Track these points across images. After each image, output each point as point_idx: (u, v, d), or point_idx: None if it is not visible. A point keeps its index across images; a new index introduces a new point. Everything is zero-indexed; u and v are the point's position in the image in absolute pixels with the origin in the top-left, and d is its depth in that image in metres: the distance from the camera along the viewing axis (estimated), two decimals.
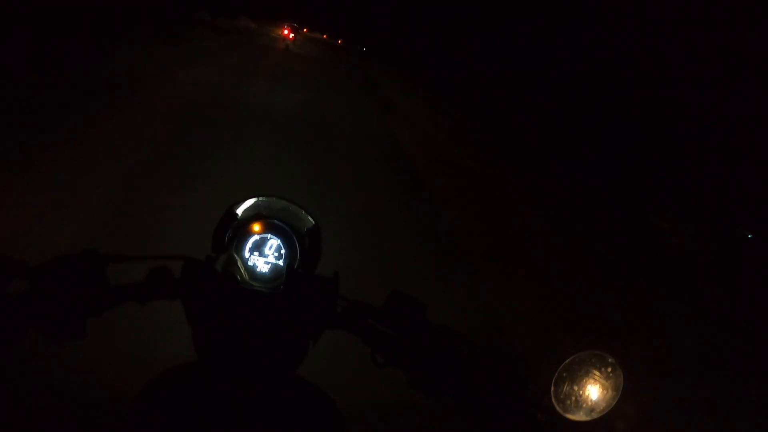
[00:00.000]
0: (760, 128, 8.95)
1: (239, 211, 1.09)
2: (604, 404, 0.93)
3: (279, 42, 28.77)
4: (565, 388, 0.93)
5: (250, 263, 1.09)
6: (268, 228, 1.10)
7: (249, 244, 1.10)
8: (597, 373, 0.93)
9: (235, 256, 1.09)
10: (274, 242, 1.10)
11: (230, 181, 5.14)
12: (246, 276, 1.08)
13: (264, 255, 1.10)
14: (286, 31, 31.74)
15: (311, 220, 1.10)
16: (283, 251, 1.10)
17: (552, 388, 0.91)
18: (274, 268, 1.10)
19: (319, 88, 15.27)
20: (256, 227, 1.10)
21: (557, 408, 0.92)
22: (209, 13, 26.20)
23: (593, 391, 0.93)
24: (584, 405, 0.93)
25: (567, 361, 0.92)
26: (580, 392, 0.93)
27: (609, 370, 0.93)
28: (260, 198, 1.11)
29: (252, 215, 1.11)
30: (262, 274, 1.09)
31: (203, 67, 12.08)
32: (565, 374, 0.92)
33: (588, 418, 0.93)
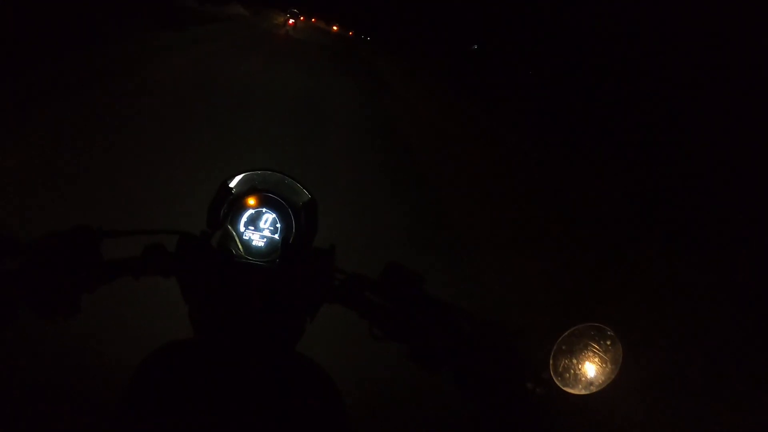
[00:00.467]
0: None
1: (234, 185, 1.08)
2: (603, 378, 0.92)
3: (279, 29, 27.86)
4: (564, 361, 0.91)
5: (246, 237, 1.08)
6: (263, 202, 1.09)
7: (244, 219, 1.08)
8: (596, 346, 0.92)
9: (231, 230, 1.07)
10: (269, 216, 1.09)
11: None
12: (242, 250, 1.07)
13: (259, 229, 1.09)
14: (291, 20, 30.16)
15: (307, 193, 1.09)
16: (278, 225, 1.08)
17: (551, 362, 0.90)
18: (270, 242, 1.08)
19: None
20: (251, 201, 1.08)
21: (556, 382, 0.90)
22: None
23: (592, 364, 0.92)
24: (583, 379, 0.92)
25: (566, 333, 0.91)
26: (579, 366, 0.92)
27: (608, 343, 0.92)
28: (255, 171, 1.10)
29: (247, 189, 1.10)
30: (258, 249, 1.08)
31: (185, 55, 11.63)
32: (564, 347, 0.91)
33: (587, 392, 0.92)
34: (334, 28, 57.45)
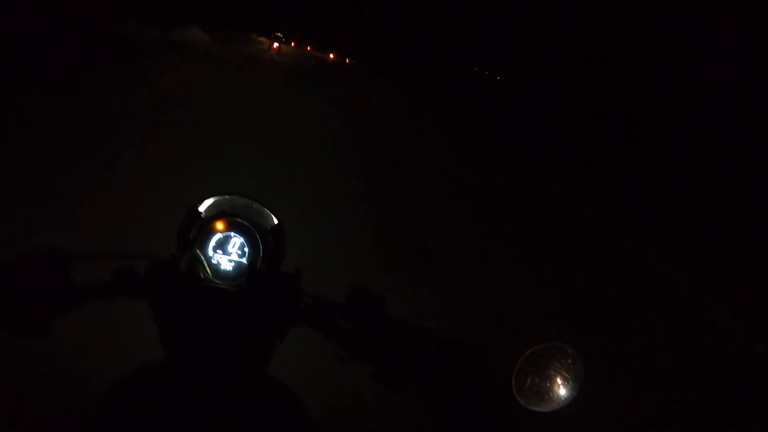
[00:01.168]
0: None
1: (202, 209, 1.10)
2: (564, 395, 0.93)
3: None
4: (527, 380, 0.93)
5: (214, 261, 1.09)
6: (232, 226, 1.10)
7: (212, 243, 1.10)
8: (557, 364, 0.94)
9: (199, 254, 1.08)
10: (237, 240, 1.10)
11: None
12: (210, 274, 1.08)
13: (227, 253, 1.10)
14: (275, 44, 29.06)
15: (274, 218, 1.11)
16: (246, 249, 1.10)
17: (513, 380, 0.92)
18: (238, 266, 1.10)
19: None
20: (220, 225, 1.10)
21: (519, 400, 0.92)
22: (137, 23, 17.95)
23: (554, 382, 0.94)
24: (545, 396, 0.93)
25: (528, 353, 0.93)
26: (541, 384, 0.94)
27: (569, 362, 0.94)
28: (223, 196, 1.11)
29: (215, 214, 1.11)
30: (226, 272, 1.09)
31: None
32: (526, 366, 0.93)
33: (549, 410, 0.93)
34: (331, 55, 49.19)
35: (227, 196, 1.12)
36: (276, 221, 1.11)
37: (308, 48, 50.42)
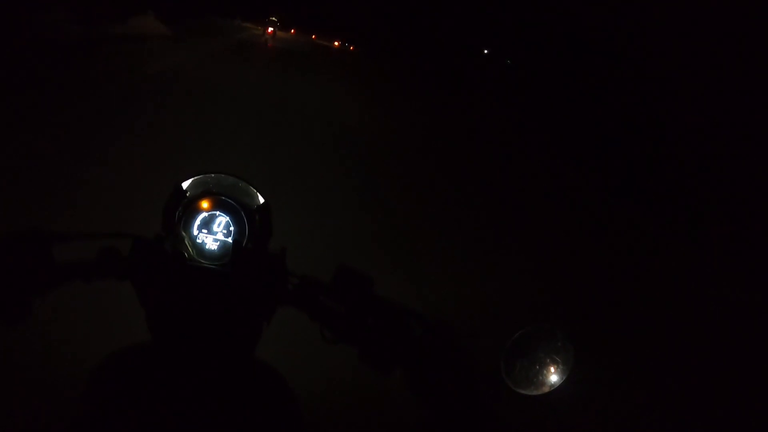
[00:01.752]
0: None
1: (188, 187, 1.07)
2: (554, 378, 0.92)
3: None
4: (516, 362, 0.92)
5: (199, 241, 1.07)
6: (217, 205, 1.07)
7: (197, 222, 1.07)
8: (547, 347, 0.93)
9: (183, 233, 1.06)
10: (222, 219, 1.08)
11: None
12: (194, 254, 1.06)
13: (213, 232, 1.08)
14: (269, 28, 28.20)
15: (261, 197, 1.09)
16: (232, 228, 1.08)
17: (502, 363, 0.90)
18: (223, 245, 1.07)
19: None
20: (205, 204, 1.07)
21: (508, 382, 0.91)
22: (67, 14, 12.64)
23: (543, 365, 0.93)
24: (534, 379, 0.92)
25: (517, 335, 0.91)
26: (531, 367, 0.92)
27: (559, 344, 0.93)
28: (209, 174, 1.09)
29: (201, 192, 1.09)
30: (211, 252, 1.07)
31: None
32: (515, 349, 0.91)
33: (539, 393, 0.92)
34: (336, 43, 47.40)
35: (212, 174, 1.09)
36: (262, 200, 1.09)
37: (312, 36, 49.38)
